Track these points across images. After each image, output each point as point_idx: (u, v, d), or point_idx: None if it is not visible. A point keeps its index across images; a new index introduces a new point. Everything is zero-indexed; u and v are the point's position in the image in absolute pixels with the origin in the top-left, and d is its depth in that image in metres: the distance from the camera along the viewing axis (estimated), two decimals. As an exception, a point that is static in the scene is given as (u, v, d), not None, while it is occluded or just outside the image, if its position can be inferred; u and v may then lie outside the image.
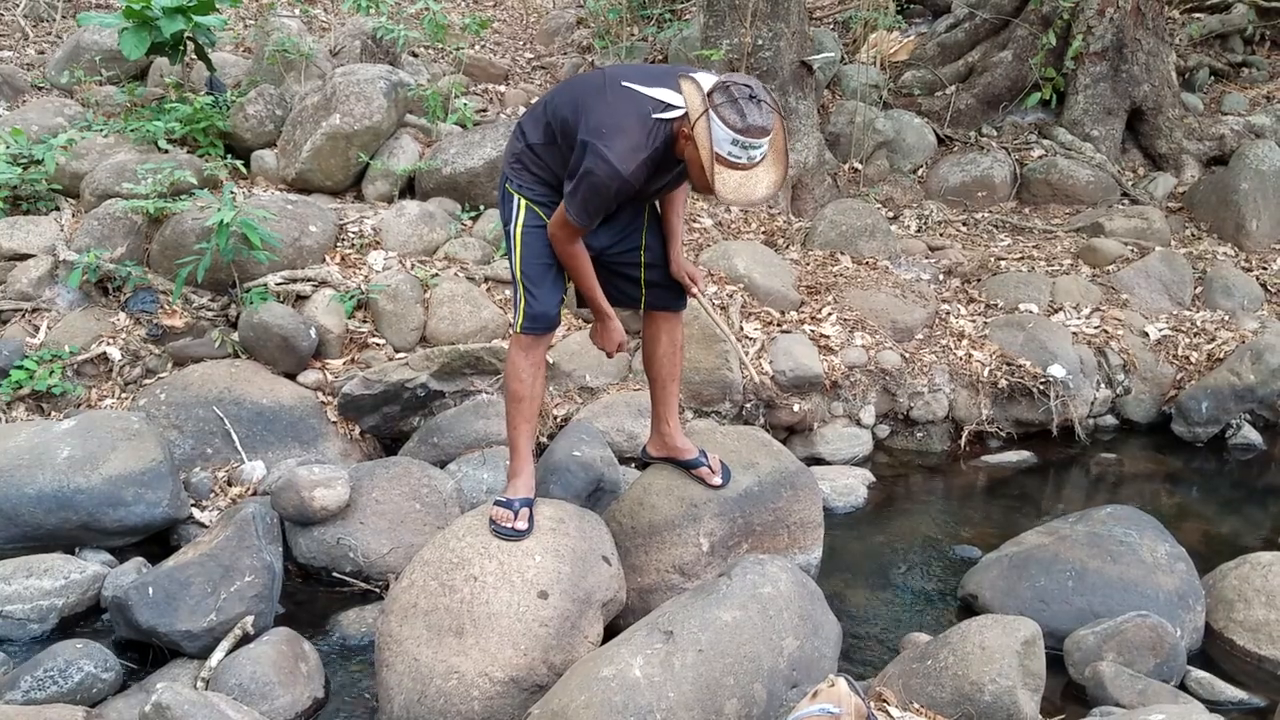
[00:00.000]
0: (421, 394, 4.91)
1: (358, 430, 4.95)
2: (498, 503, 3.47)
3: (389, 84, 6.26)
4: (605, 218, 3.26)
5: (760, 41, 7.05)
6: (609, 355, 3.61)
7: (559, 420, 5.03)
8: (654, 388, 3.78)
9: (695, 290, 3.60)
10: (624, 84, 3.09)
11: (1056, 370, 5.65)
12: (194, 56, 6.61)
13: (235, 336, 5.08)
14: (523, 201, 3.34)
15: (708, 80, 2.93)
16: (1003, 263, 6.79)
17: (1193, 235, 7.38)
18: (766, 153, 2.90)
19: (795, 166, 7.16)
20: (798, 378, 5.32)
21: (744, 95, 2.84)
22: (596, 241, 3.37)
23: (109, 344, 5.00)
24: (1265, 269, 6.93)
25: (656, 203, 3.54)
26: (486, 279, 5.61)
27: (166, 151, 5.95)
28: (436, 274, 5.52)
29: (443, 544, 3.43)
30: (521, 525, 3.40)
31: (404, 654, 3.23)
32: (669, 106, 3.01)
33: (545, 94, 3.43)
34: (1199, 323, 6.29)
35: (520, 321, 3.40)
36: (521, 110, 7.66)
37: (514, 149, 3.38)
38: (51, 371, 4.81)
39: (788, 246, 6.61)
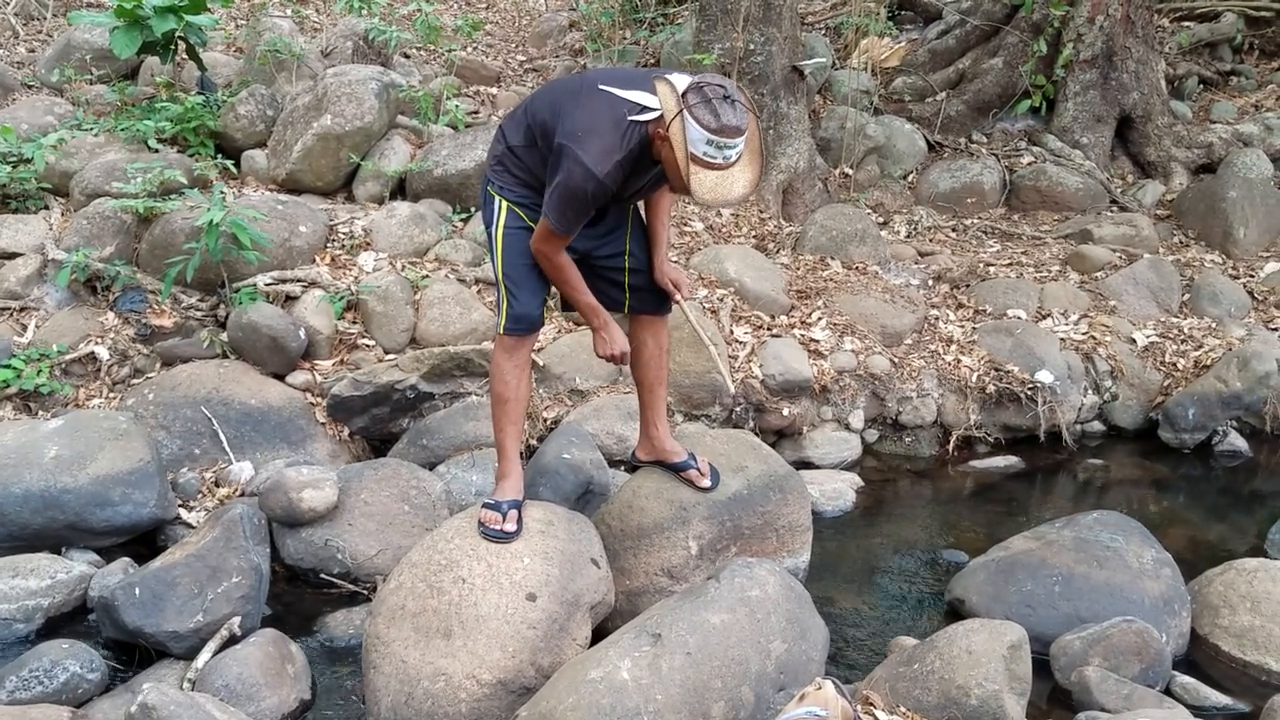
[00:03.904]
0: (411, 395, 4.91)
1: (346, 431, 4.94)
2: (486, 505, 3.46)
3: (380, 85, 6.25)
4: (588, 222, 3.25)
5: (752, 46, 7.06)
6: (617, 363, 3.51)
7: (548, 423, 5.03)
8: (641, 392, 3.77)
9: (679, 296, 3.59)
10: (601, 87, 3.10)
11: (1044, 376, 5.67)
12: (185, 56, 6.59)
13: (224, 337, 5.07)
14: (504, 203, 3.34)
15: (682, 81, 2.94)
16: (991, 269, 6.82)
17: (1181, 242, 7.42)
18: (742, 152, 2.91)
19: (786, 171, 7.18)
20: (787, 382, 5.33)
21: (718, 95, 2.84)
22: (580, 245, 3.36)
23: (97, 343, 4.99)
24: (1252, 276, 6.96)
25: (640, 207, 3.54)
26: (477, 281, 5.61)
27: (157, 151, 5.94)
28: (427, 275, 5.52)
29: (431, 546, 3.43)
30: (510, 527, 3.39)
31: (391, 656, 3.23)
32: (644, 109, 3.02)
33: (526, 97, 3.44)
34: (1186, 329, 6.32)
35: (503, 323, 3.40)
36: (513, 112, 7.65)
37: (495, 151, 3.39)
38: (39, 371, 4.80)
39: (778, 251, 6.62)
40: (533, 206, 3.29)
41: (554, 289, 3.48)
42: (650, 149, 3.04)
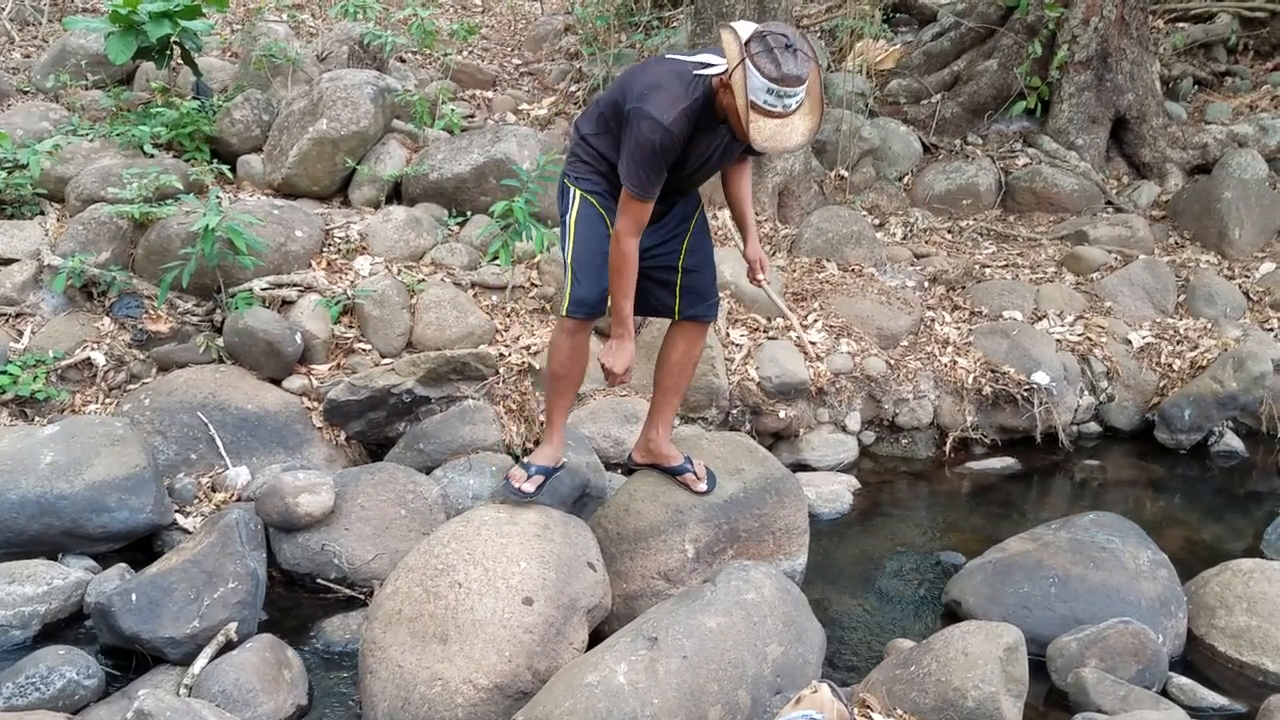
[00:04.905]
0: (407, 400, 4.91)
1: (343, 436, 4.94)
2: (518, 462, 3.55)
3: (376, 89, 6.26)
4: (655, 216, 3.35)
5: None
6: (612, 379, 3.49)
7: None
8: (656, 393, 3.79)
9: (761, 277, 3.68)
10: (667, 56, 3.25)
11: (1040, 377, 5.68)
12: (180, 61, 6.60)
13: (220, 342, 5.07)
14: (578, 193, 3.43)
15: (746, 29, 2.99)
16: (987, 270, 6.83)
17: (1176, 243, 7.43)
18: (803, 101, 2.96)
19: (782, 174, 7.18)
20: (784, 384, 5.34)
21: (780, 45, 2.90)
22: (644, 240, 3.42)
23: (93, 349, 4.98)
24: (1248, 277, 6.97)
25: (700, 213, 3.62)
26: (473, 284, 5.61)
27: (152, 156, 5.93)
28: (423, 279, 5.52)
29: (427, 550, 3.43)
30: (529, 488, 3.47)
31: (388, 661, 3.23)
32: (709, 65, 3.11)
33: None
34: (1182, 330, 6.32)
35: (565, 305, 3.45)
36: (510, 116, 7.68)
37: (570, 146, 3.51)
38: (35, 377, 4.79)
39: (774, 253, 6.63)
40: (605, 194, 3.39)
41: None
42: (714, 104, 3.12)
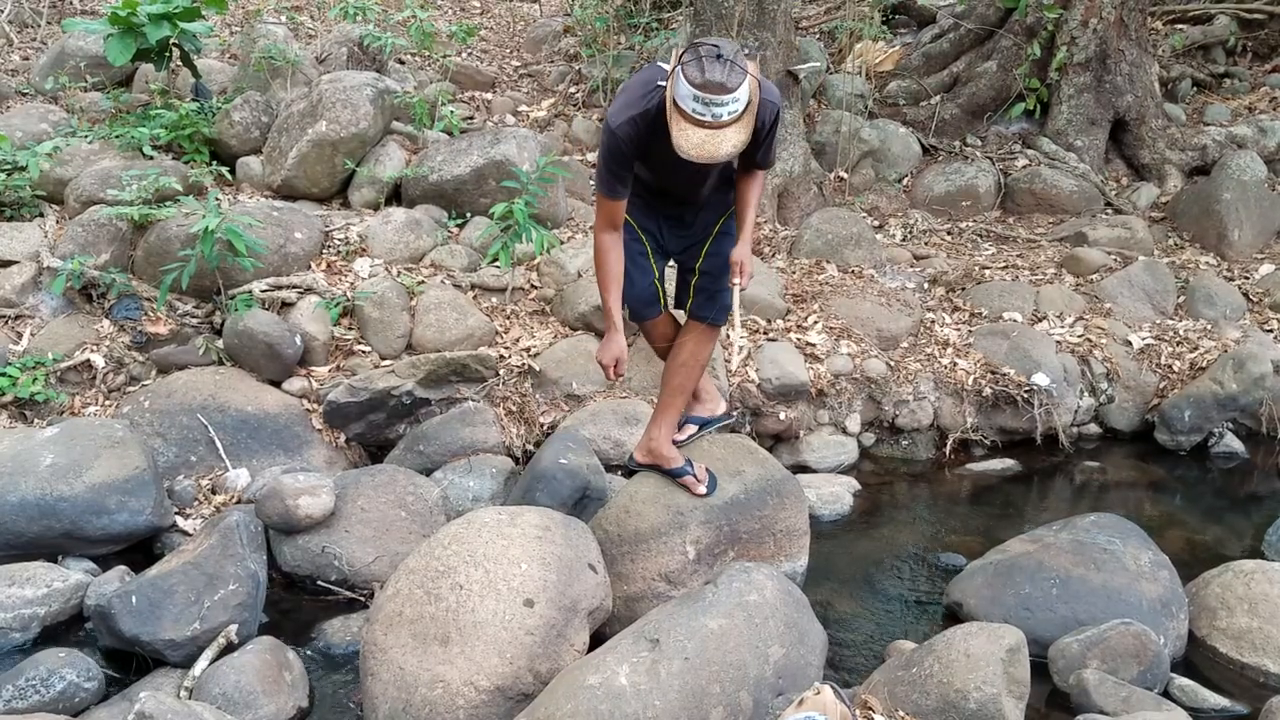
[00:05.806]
0: (407, 401, 4.90)
1: (343, 438, 4.93)
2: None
3: (375, 91, 6.25)
4: (679, 221, 3.49)
5: (746, 51, 7.07)
6: (606, 373, 3.53)
7: (545, 428, 5.03)
8: (662, 392, 3.81)
9: (736, 279, 3.63)
10: (657, 63, 3.25)
11: (1040, 379, 5.68)
12: (179, 63, 6.59)
13: (220, 344, 5.06)
14: None
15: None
16: (987, 272, 6.83)
17: (1175, 245, 7.43)
18: (737, 114, 2.95)
19: (781, 175, 7.19)
20: (784, 386, 5.33)
21: (710, 55, 2.91)
22: (671, 244, 3.57)
23: (93, 351, 4.98)
24: (1247, 278, 6.97)
25: (726, 218, 3.64)
26: (473, 286, 5.61)
27: (152, 158, 5.93)
28: (423, 281, 5.52)
29: (428, 552, 3.42)
30: (680, 435, 3.85)
31: (389, 663, 3.22)
32: None
33: None
34: (1182, 331, 6.32)
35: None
36: (509, 118, 7.68)
37: None
38: (35, 379, 4.79)
39: (774, 255, 6.63)
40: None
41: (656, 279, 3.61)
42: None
